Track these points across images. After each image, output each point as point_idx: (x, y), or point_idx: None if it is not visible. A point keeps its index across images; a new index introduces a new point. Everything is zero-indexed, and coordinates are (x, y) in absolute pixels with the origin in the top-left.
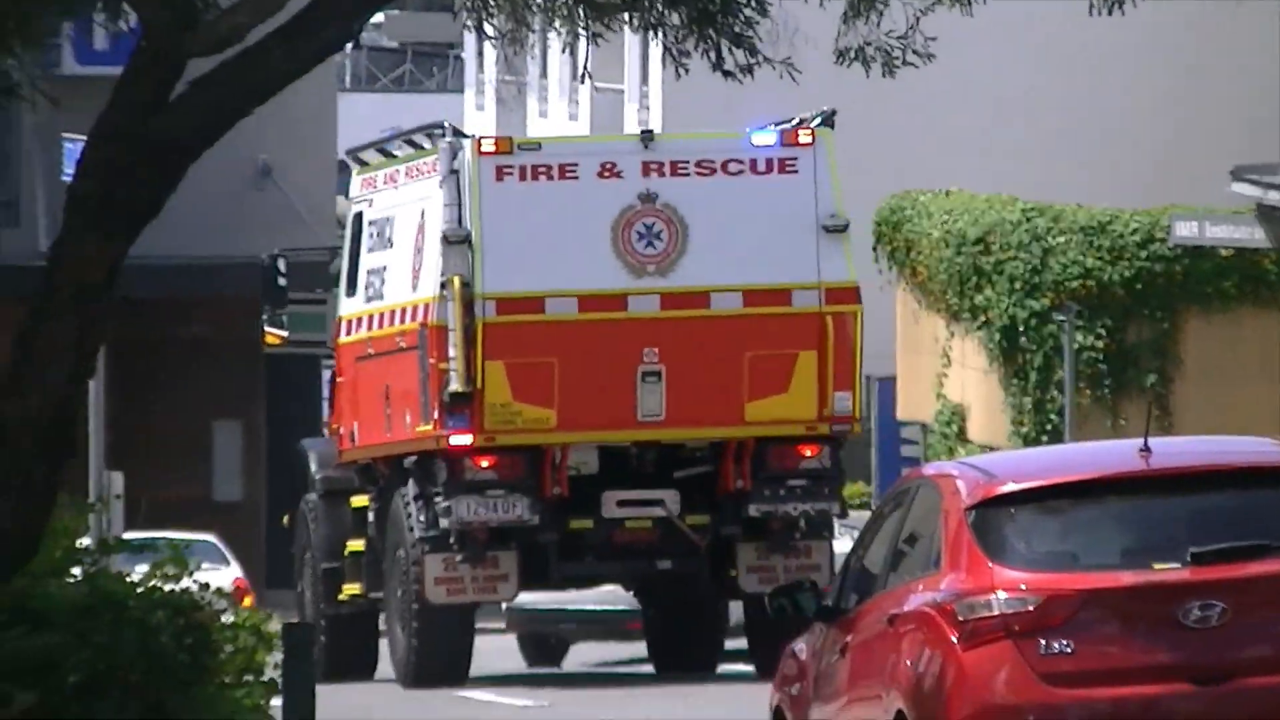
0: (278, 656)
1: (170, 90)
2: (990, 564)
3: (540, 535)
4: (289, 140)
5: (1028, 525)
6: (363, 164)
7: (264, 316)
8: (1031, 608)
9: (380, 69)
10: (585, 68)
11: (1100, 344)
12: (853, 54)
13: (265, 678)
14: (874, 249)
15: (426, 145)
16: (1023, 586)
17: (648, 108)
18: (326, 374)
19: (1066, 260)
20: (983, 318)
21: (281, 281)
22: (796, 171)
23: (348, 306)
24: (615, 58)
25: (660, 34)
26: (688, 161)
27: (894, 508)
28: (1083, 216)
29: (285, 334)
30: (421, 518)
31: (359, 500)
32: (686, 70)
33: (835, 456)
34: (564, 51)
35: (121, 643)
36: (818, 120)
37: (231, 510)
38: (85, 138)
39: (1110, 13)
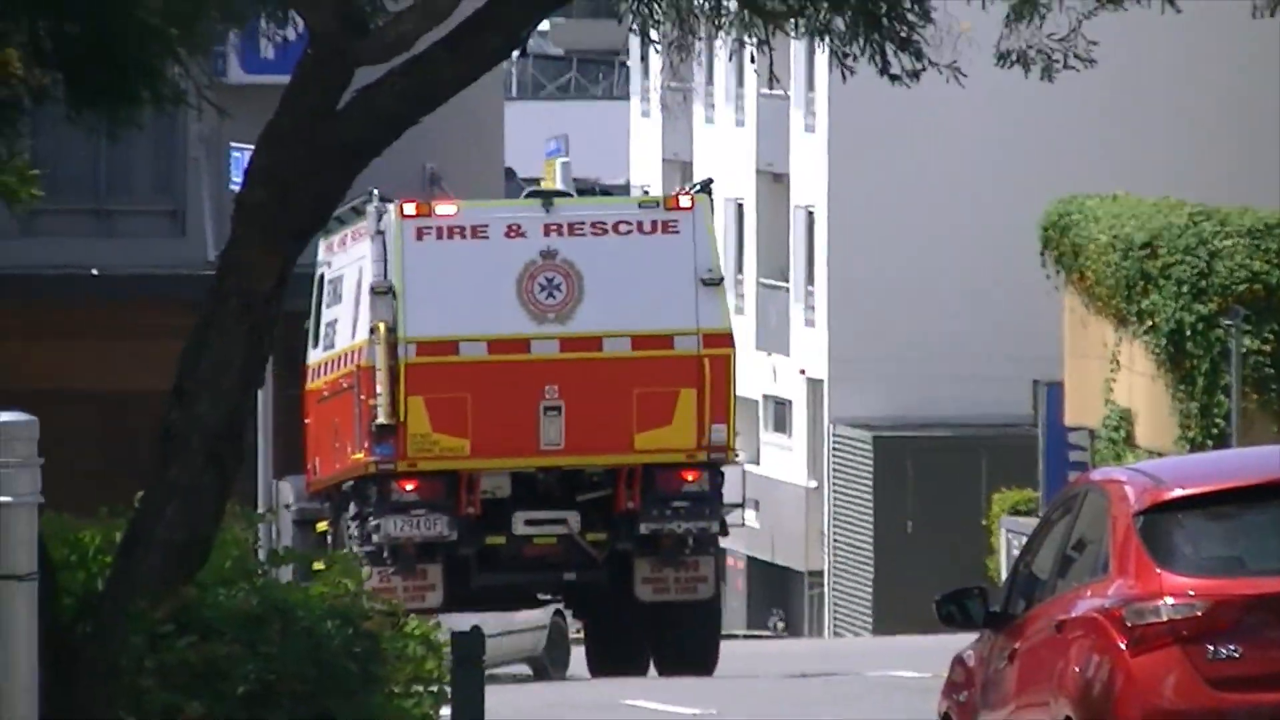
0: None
1: (338, 98)
2: (1158, 569)
3: (460, 549)
4: (456, 148)
5: (1195, 530)
6: (326, 231)
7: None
8: (1199, 613)
9: (546, 77)
10: (771, 71)
11: (1267, 348)
12: (1014, 57)
13: (434, 687)
14: (1041, 254)
15: (369, 212)
16: (1191, 592)
17: (814, 113)
18: None
19: (1233, 264)
20: (1149, 322)
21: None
22: (678, 232)
23: (312, 357)
24: (781, 63)
25: (826, 39)
26: (584, 222)
27: (1062, 513)
28: (1249, 219)
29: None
30: (358, 534)
31: (321, 525)
32: (854, 74)
33: (714, 481)
34: (730, 58)
35: (290, 652)
36: (697, 188)
37: None
38: (253, 146)
39: (1273, 14)
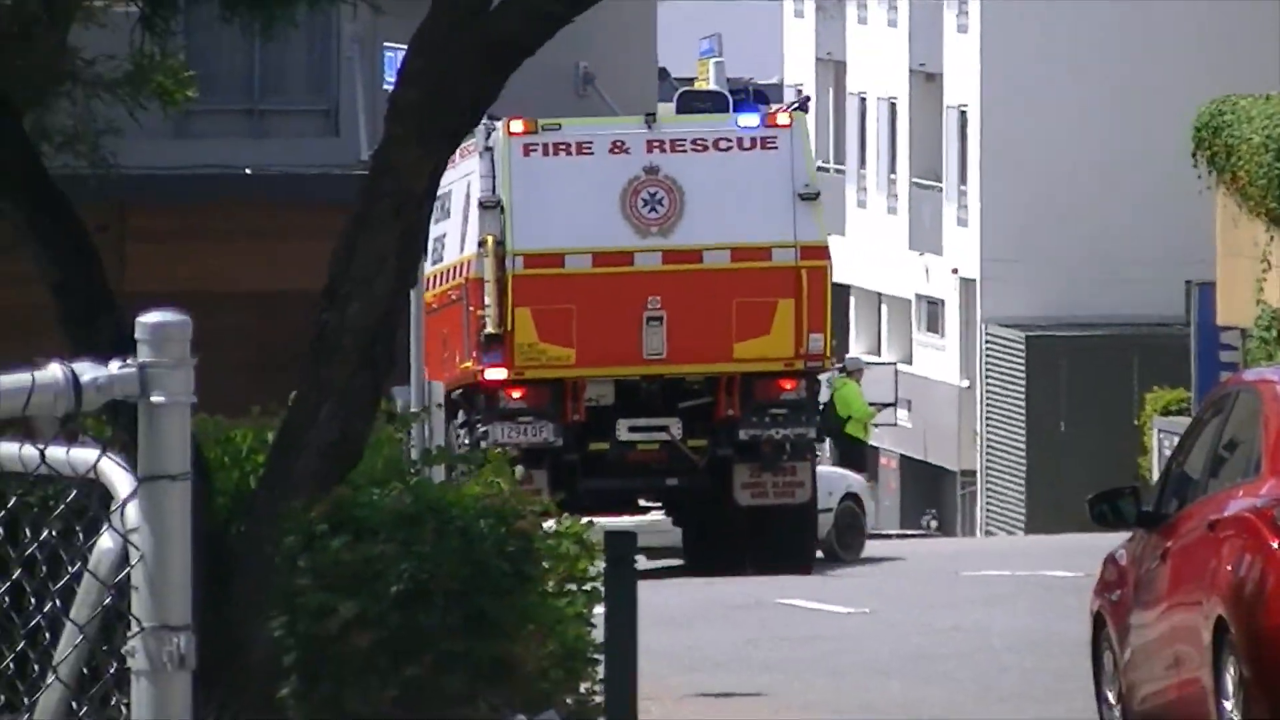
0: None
1: None
2: None
3: (565, 455)
4: (609, 48)
5: None
6: None
7: None
8: None
9: None
10: None
11: None
12: None
13: (587, 586)
14: (1193, 154)
15: (479, 129)
16: None
17: (966, 12)
18: None
19: None
20: None
21: None
22: (776, 148)
23: (423, 270)
24: None
25: None
26: (685, 139)
27: (1214, 414)
28: None
29: None
30: (465, 442)
31: None
32: None
33: (811, 389)
34: None
35: (444, 552)
36: (795, 105)
37: None
38: (406, 46)
39: None
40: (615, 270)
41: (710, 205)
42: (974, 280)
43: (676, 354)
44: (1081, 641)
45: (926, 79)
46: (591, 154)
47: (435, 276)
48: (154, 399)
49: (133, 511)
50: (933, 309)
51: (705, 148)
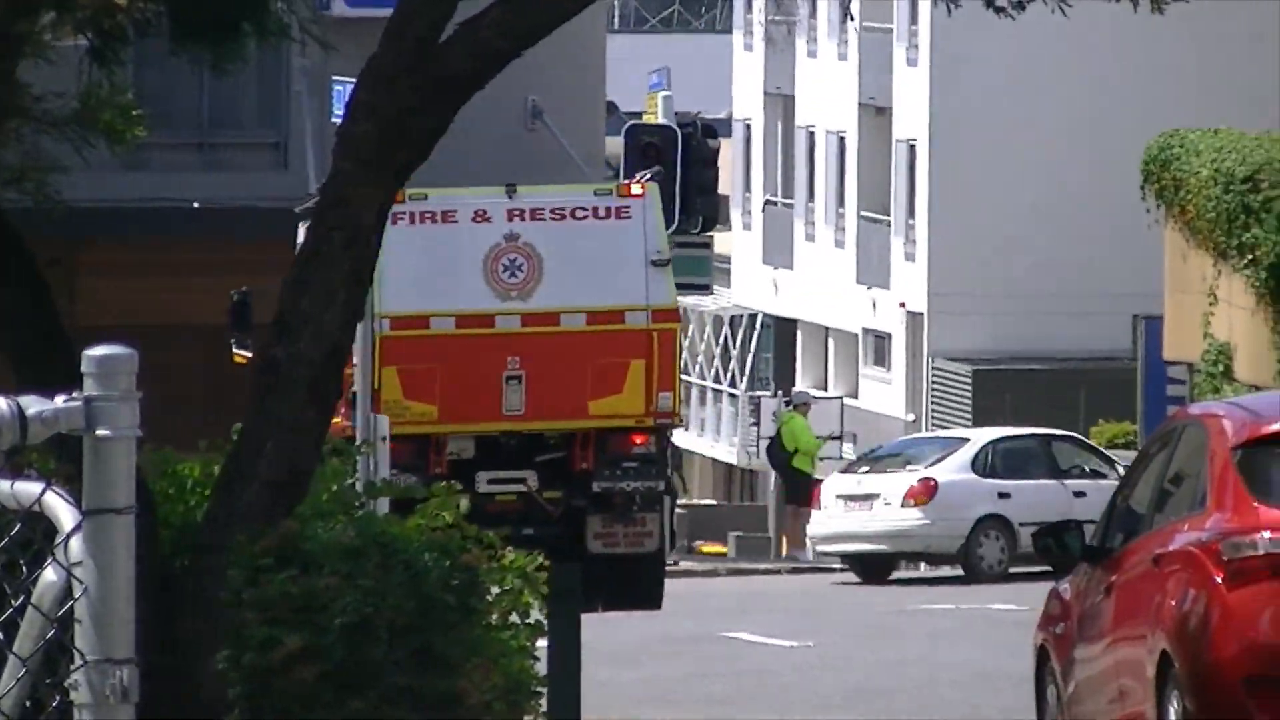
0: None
1: (440, 32)
2: (1256, 504)
3: None
4: (559, 82)
5: None
6: (306, 218)
7: (232, 342)
8: None
9: (649, 10)
10: (846, 9)
11: None
12: None
13: (531, 619)
14: (1142, 188)
15: None
16: None
17: (916, 46)
18: None
19: None
20: (1250, 256)
21: (250, 315)
22: (630, 217)
23: None
24: None
25: None
26: (543, 209)
27: (1160, 448)
28: None
29: (249, 354)
30: None
31: None
32: (958, 5)
33: (661, 444)
34: None
35: (389, 585)
36: (648, 176)
37: None
38: (355, 80)
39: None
40: (477, 332)
41: (567, 271)
42: (921, 314)
43: (534, 411)
44: (1026, 675)
45: (876, 112)
46: (456, 222)
47: None
48: (99, 433)
49: (76, 545)
50: (880, 343)
51: (563, 216)
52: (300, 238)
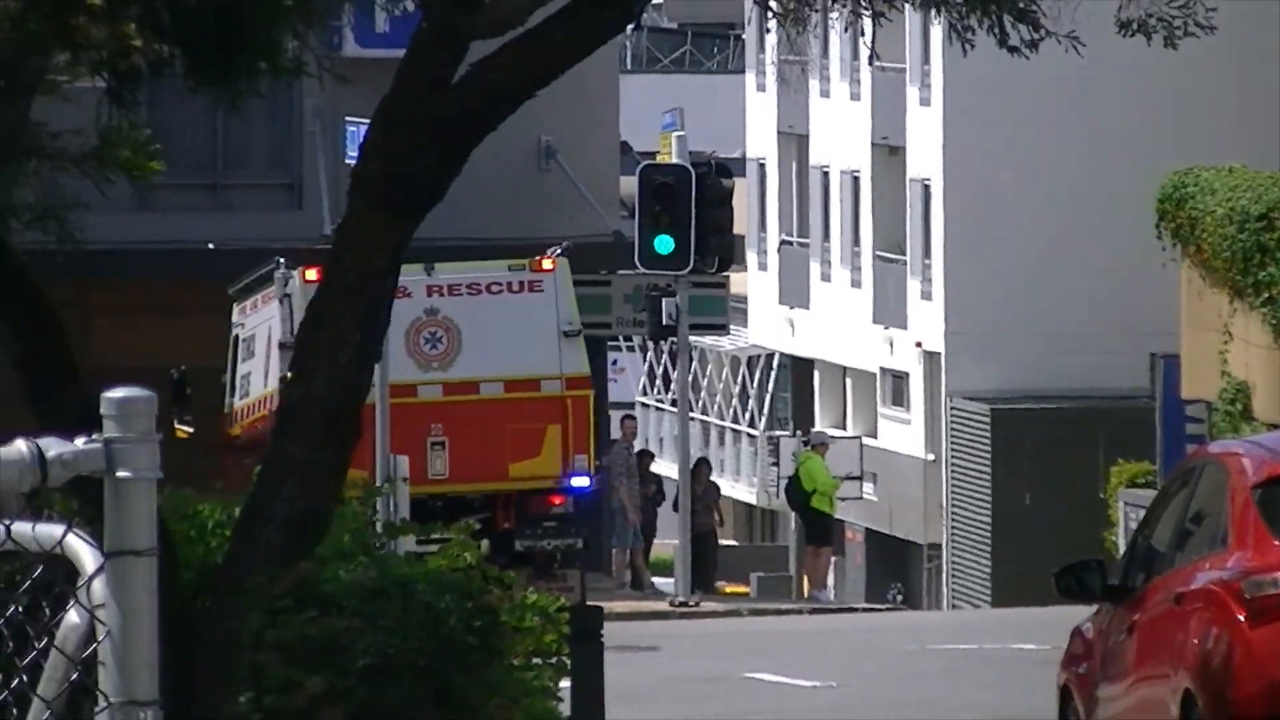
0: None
1: (453, 72)
2: (1277, 542)
3: None
4: (572, 122)
5: None
6: (238, 298)
7: (174, 419)
8: None
9: (661, 50)
10: (872, 48)
11: None
12: (1135, 25)
13: (553, 659)
14: (1157, 226)
15: (276, 278)
16: None
17: (929, 85)
18: (613, 356)
19: None
20: (1266, 294)
21: (188, 392)
22: (543, 290)
23: (231, 404)
24: (896, 36)
25: (943, 11)
26: (460, 284)
27: (1180, 486)
28: None
29: (191, 430)
30: None
31: None
32: (972, 46)
33: (578, 503)
34: (845, 30)
35: (410, 626)
36: (558, 252)
37: None
38: (367, 120)
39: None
40: (401, 401)
41: (485, 342)
42: (938, 353)
43: (458, 474)
44: (1048, 715)
45: (889, 152)
46: None
47: (243, 410)
48: (120, 474)
49: (99, 587)
50: (897, 382)
51: (479, 291)
52: (234, 317)
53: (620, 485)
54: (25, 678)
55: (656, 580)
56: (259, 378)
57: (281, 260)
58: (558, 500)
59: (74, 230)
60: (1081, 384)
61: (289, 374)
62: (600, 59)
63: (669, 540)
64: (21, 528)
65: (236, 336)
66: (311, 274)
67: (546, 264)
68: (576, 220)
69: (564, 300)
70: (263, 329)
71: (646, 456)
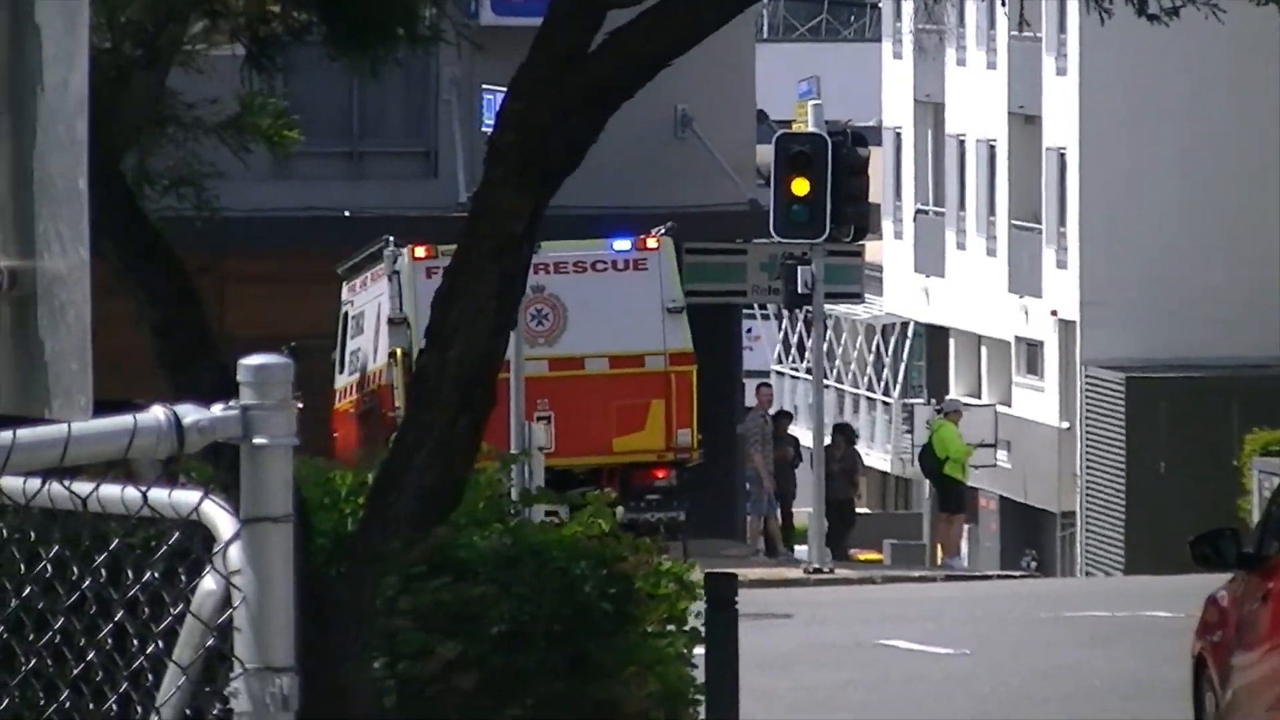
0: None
1: (590, 41)
2: None
3: None
4: (708, 91)
5: None
6: (347, 276)
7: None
8: None
9: (797, 18)
10: (1021, 16)
11: None
12: None
13: (688, 626)
14: None
15: (385, 256)
16: None
17: (1065, 55)
18: (747, 324)
19: None
20: None
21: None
22: (647, 269)
23: (339, 381)
24: (1033, 4)
25: None
26: (567, 262)
27: None
28: None
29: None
30: None
31: None
32: (1110, 14)
33: (681, 477)
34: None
35: (544, 593)
36: (663, 231)
37: None
38: (504, 89)
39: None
40: (507, 376)
41: (590, 319)
42: (1073, 322)
43: (563, 448)
44: (1183, 683)
45: (1025, 121)
46: None
47: (351, 386)
48: (256, 441)
49: (235, 553)
50: (1032, 351)
51: (585, 269)
52: (343, 295)
53: (755, 453)
54: (161, 643)
55: (796, 548)
56: (369, 353)
57: (390, 239)
58: (661, 474)
59: (210, 198)
60: (1216, 352)
61: (422, 343)
62: (736, 27)
63: (805, 508)
64: (158, 494)
65: (346, 314)
66: (420, 251)
67: (651, 242)
68: (712, 189)
69: (668, 277)
70: (371, 306)
71: (785, 418)
